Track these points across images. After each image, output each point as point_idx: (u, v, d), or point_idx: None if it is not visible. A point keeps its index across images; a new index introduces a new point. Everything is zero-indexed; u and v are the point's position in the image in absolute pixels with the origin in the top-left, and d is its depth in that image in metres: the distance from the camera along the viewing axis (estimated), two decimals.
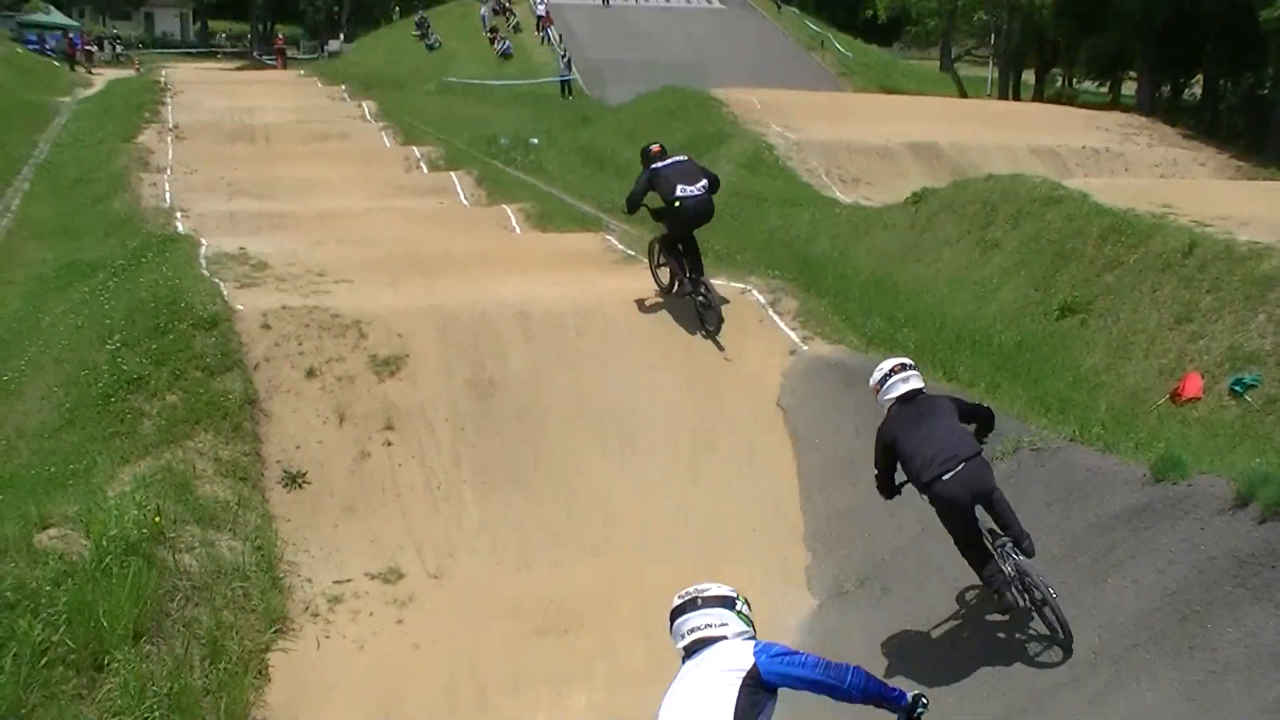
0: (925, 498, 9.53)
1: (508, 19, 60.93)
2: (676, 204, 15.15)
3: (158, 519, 10.45)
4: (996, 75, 65.10)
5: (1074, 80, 74.30)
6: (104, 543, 9.82)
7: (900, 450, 9.51)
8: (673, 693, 5.65)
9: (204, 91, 43.23)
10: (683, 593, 5.98)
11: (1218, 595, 8.67)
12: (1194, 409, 14.91)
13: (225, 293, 15.11)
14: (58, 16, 75.21)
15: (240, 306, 14.61)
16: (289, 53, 71.68)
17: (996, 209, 21.32)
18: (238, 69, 64.26)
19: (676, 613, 5.93)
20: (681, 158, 15.83)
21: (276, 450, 12.80)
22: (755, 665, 5.58)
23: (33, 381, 14.73)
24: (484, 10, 61.71)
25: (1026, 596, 9.55)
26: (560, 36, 57.31)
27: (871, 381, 9.89)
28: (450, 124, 39.89)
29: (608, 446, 13.41)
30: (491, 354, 14.35)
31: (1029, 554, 9.37)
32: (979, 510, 9.50)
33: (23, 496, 11.03)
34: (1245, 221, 18.36)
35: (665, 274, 15.88)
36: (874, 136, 33.36)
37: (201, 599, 10.24)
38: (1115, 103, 59.57)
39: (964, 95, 59.29)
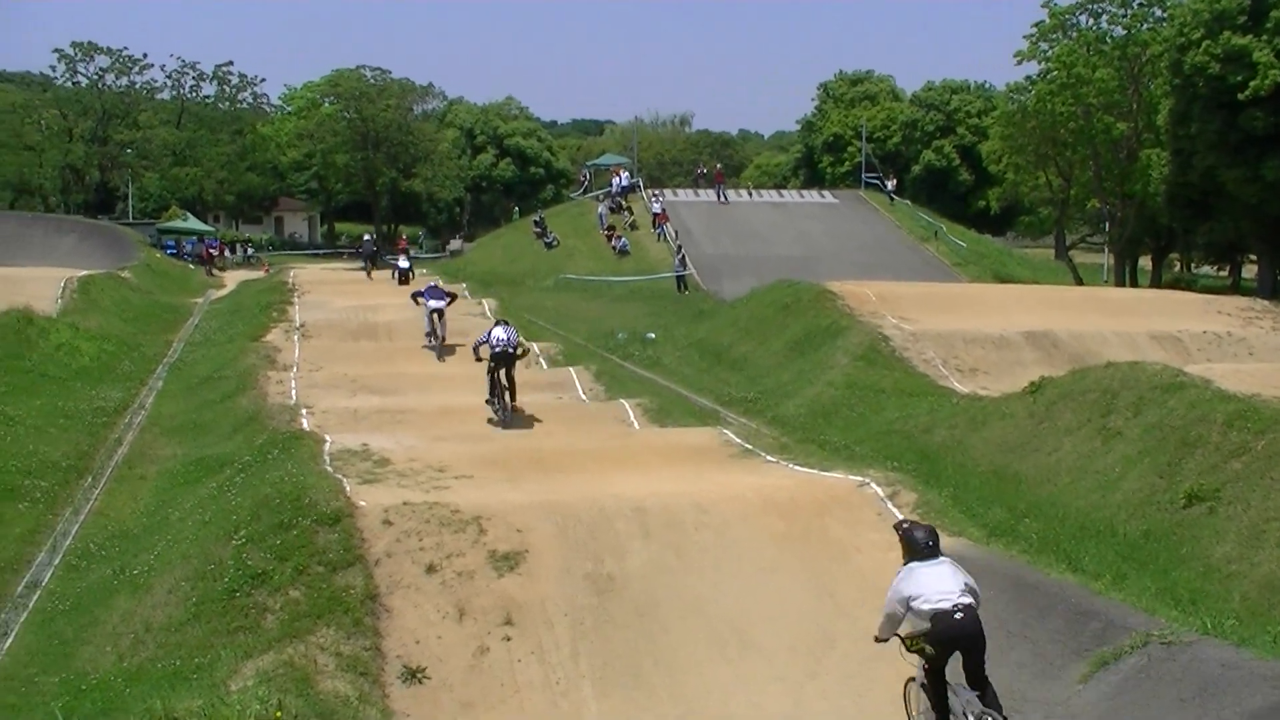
0: None
1: (624, 217, 62.31)
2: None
3: (279, 714, 10.51)
4: (1112, 262, 64.97)
5: (1192, 265, 73.94)
6: None
7: None
8: None
9: (329, 291, 44.33)
10: None
11: None
12: None
13: (348, 489, 15.41)
14: (194, 222, 78.78)
15: (362, 503, 14.87)
16: (411, 252, 73.80)
17: (1117, 397, 21.06)
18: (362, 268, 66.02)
19: None
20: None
21: (396, 645, 12.86)
22: None
23: (161, 576, 15.05)
24: (601, 209, 63.22)
25: None
26: (676, 233, 58.37)
27: None
28: (568, 320, 40.61)
29: (725, 645, 13.24)
30: (610, 550, 14.37)
31: None
32: None
33: (148, 690, 11.22)
34: None
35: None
36: (990, 326, 33.25)
37: None
38: (1235, 287, 59.04)
39: (1080, 283, 59.11)
